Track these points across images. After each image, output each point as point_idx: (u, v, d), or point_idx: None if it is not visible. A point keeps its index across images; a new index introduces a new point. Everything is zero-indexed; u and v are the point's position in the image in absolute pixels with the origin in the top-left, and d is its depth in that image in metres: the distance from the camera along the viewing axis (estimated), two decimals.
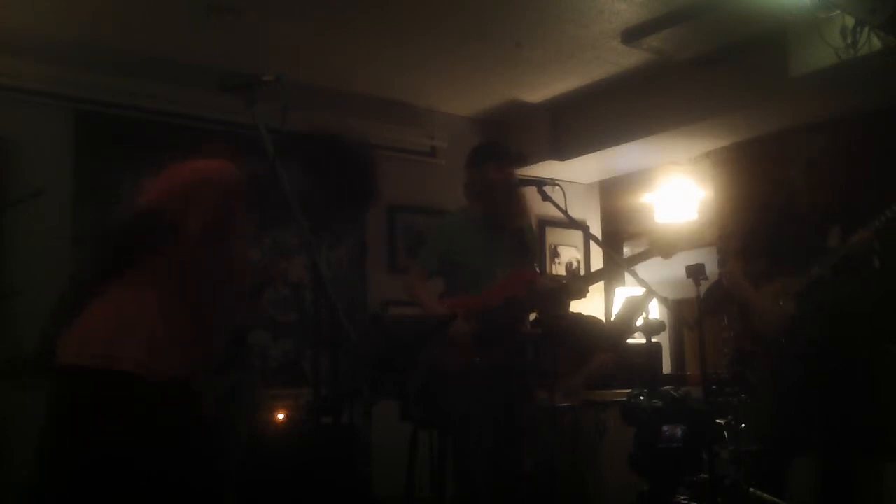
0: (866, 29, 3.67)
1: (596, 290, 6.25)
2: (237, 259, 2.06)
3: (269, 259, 4.52)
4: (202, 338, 1.96)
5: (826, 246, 3.37)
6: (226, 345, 2.09)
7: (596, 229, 6.34)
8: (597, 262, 6.42)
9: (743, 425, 4.24)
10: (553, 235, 6.13)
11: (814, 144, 3.53)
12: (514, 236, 3.43)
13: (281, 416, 4.08)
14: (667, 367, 6.45)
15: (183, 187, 1.94)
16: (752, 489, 3.39)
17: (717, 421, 4.20)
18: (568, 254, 6.24)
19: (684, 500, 3.58)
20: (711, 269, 3.77)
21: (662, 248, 3.33)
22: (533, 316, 4.04)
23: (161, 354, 1.83)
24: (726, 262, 3.70)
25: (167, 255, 1.90)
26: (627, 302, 4.18)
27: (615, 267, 3.42)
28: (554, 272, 6.12)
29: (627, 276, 5.79)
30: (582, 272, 6.31)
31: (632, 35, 4.53)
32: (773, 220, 3.61)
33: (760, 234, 3.65)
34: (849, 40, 3.70)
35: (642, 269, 3.27)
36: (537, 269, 3.49)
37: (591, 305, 5.93)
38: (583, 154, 5.68)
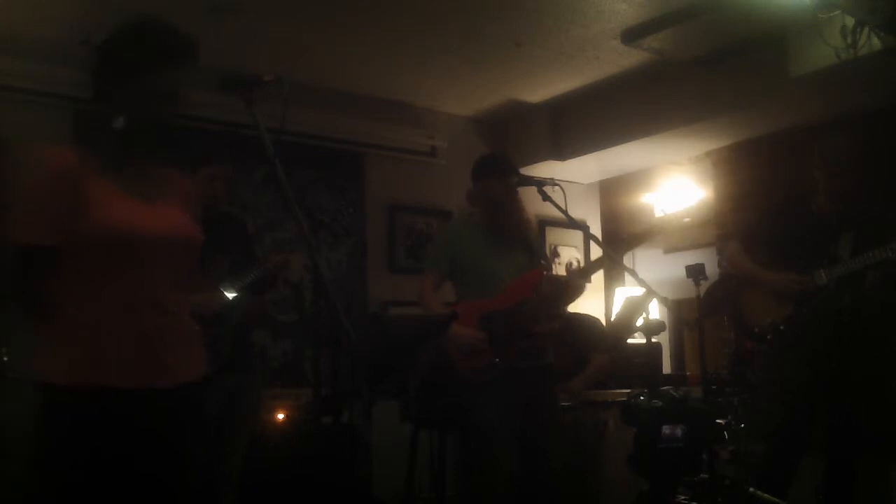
0: (866, 29, 3.67)
1: (596, 290, 6.27)
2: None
3: (270, 253, 4.51)
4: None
5: (836, 253, 3.34)
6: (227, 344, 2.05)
7: (596, 229, 6.34)
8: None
9: (743, 425, 4.25)
10: (553, 235, 6.12)
11: (814, 144, 3.52)
12: (519, 242, 3.44)
13: (281, 416, 4.09)
14: (667, 367, 6.47)
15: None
16: (752, 489, 3.39)
17: (717, 421, 4.21)
18: (568, 254, 6.24)
19: (684, 500, 3.58)
20: (711, 269, 3.77)
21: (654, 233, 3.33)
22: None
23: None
24: (726, 247, 3.67)
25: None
26: (627, 302, 4.18)
27: (608, 260, 3.40)
28: (554, 272, 6.12)
29: (627, 276, 5.79)
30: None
31: (632, 35, 4.53)
32: (776, 215, 3.60)
33: (762, 226, 3.64)
34: (849, 40, 3.70)
35: (642, 268, 3.27)
36: (545, 269, 3.48)
37: (591, 305, 5.94)
38: (583, 154, 5.68)
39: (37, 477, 1.78)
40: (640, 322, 3.71)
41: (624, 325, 3.95)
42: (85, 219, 1.78)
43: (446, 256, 3.44)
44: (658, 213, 6.87)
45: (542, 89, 5.45)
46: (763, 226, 3.64)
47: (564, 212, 3.04)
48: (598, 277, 6.38)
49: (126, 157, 1.90)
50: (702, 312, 3.77)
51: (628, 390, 4.01)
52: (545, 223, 6.04)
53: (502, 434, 3.17)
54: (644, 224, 3.28)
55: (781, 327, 3.39)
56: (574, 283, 3.37)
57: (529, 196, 3.29)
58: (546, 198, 3.08)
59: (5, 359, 3.50)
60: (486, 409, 3.16)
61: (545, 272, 3.41)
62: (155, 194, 1.92)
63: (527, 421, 3.23)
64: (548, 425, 3.30)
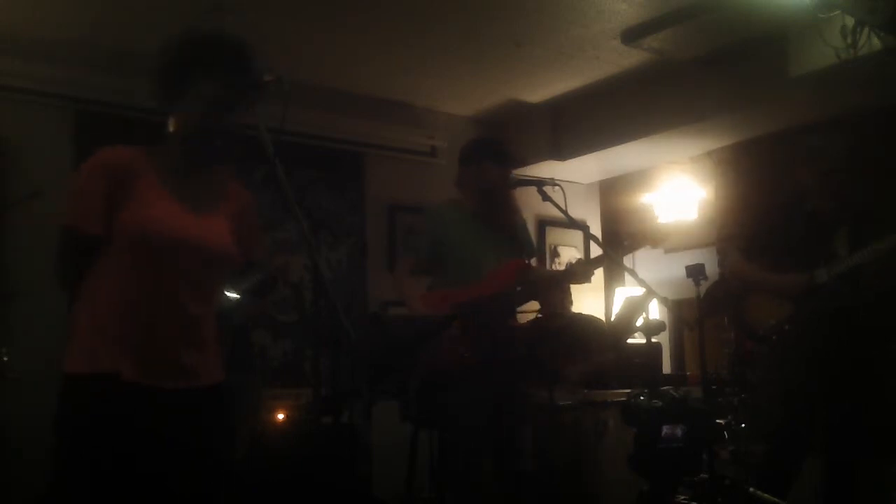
0: (866, 29, 3.67)
1: (596, 290, 6.27)
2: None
3: (273, 255, 4.52)
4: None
5: (834, 250, 3.34)
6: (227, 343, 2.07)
7: (596, 229, 6.34)
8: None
9: (743, 425, 4.25)
10: (553, 235, 6.12)
11: (814, 144, 3.51)
12: (506, 232, 3.38)
13: (281, 416, 4.09)
14: (667, 367, 6.46)
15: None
16: (752, 489, 3.39)
17: (717, 421, 4.21)
18: (568, 254, 6.24)
19: (684, 500, 3.58)
20: (711, 269, 3.76)
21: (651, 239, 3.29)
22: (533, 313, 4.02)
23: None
24: (727, 255, 3.65)
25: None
26: (627, 302, 4.18)
27: (607, 260, 3.33)
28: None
29: (627, 276, 5.79)
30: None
31: (632, 35, 4.53)
32: (776, 218, 3.60)
33: (761, 228, 3.63)
34: (849, 40, 3.70)
35: (642, 268, 3.27)
36: (531, 262, 3.41)
37: (591, 305, 5.94)
38: (583, 154, 5.68)
39: (54, 463, 1.80)
40: (640, 322, 3.71)
41: (624, 325, 3.95)
42: (123, 215, 1.84)
43: (428, 241, 3.35)
44: (661, 219, 6.86)
45: (542, 89, 5.45)
46: (761, 227, 3.63)
47: (564, 212, 3.03)
48: (598, 277, 6.38)
49: (184, 163, 1.95)
50: (702, 312, 3.76)
51: (628, 390, 4.01)
52: (545, 223, 6.05)
53: (476, 434, 3.09)
54: (645, 229, 3.23)
55: (786, 327, 3.38)
56: (576, 270, 3.30)
57: (529, 196, 3.28)
58: (546, 198, 3.06)
59: (5, 359, 3.50)
60: (459, 409, 3.07)
61: (525, 263, 3.34)
62: (203, 204, 1.95)
63: (504, 420, 3.15)
64: (526, 424, 3.24)
